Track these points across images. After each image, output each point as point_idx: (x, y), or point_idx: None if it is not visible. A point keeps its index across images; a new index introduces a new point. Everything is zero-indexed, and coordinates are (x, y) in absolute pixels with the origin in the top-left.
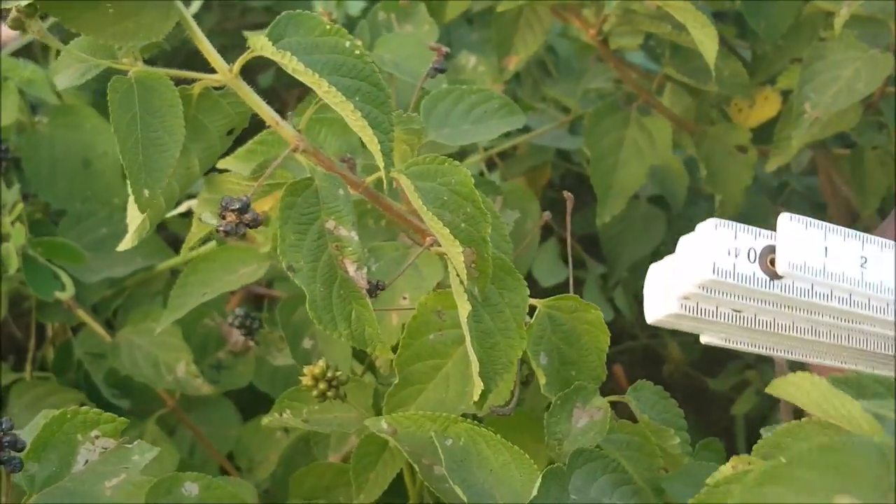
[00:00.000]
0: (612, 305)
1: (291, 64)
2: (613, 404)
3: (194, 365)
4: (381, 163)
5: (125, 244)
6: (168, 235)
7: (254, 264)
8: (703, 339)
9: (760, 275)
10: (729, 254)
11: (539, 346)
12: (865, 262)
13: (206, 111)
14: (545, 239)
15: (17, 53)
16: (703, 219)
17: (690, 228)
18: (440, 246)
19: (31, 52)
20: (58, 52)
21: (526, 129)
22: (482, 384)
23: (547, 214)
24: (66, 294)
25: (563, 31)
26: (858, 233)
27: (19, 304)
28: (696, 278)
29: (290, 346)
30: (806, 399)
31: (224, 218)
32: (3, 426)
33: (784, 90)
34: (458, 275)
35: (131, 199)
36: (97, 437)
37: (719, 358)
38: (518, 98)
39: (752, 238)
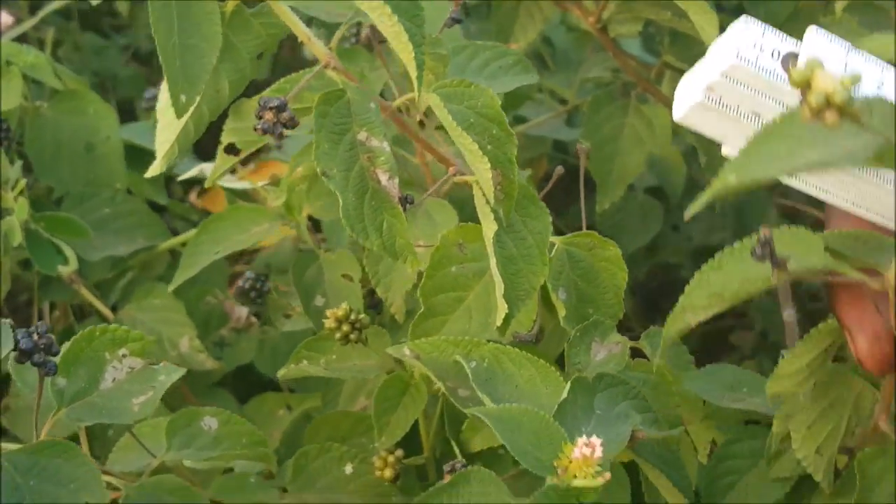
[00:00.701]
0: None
1: None
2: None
3: (198, 340)
4: (413, 72)
5: (153, 170)
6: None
7: (265, 223)
8: (724, 151)
9: (780, 72)
10: (754, 47)
11: (558, 282)
12: (882, 85)
13: (238, 30)
14: None
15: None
16: (701, 210)
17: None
18: (464, 175)
19: (25, 39)
20: (55, 42)
21: (523, 120)
22: (506, 307)
23: (559, 169)
24: (70, 268)
25: (563, 19)
26: (879, 60)
27: (16, 296)
28: (721, 64)
29: (302, 303)
30: None
31: (261, 117)
32: (40, 329)
33: None
34: (484, 195)
35: (160, 123)
36: (124, 355)
37: (716, 350)
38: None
39: (778, 41)
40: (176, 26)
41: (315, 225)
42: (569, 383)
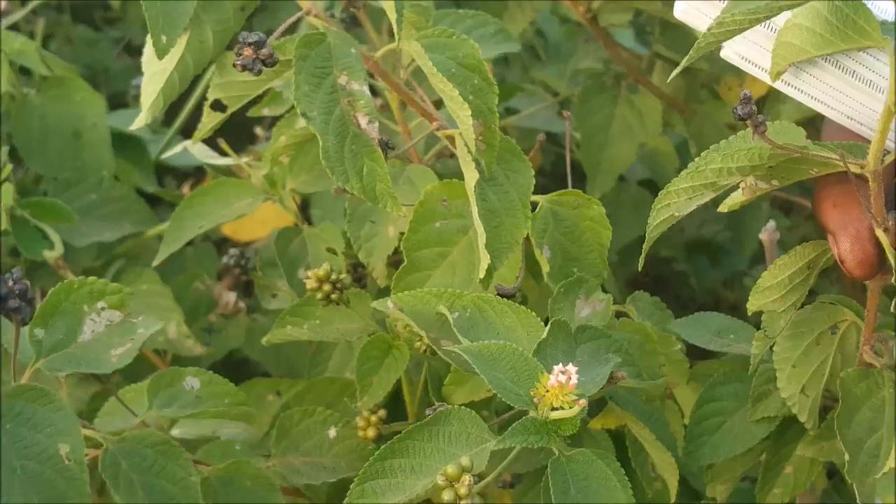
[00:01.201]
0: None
1: None
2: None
3: (185, 325)
4: (393, 16)
5: (139, 122)
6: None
7: (248, 198)
8: (723, 53)
9: None
10: None
11: (542, 240)
12: None
13: None
14: None
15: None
16: None
17: None
18: (447, 129)
19: (16, 31)
20: (47, 35)
21: (514, 112)
22: (488, 258)
23: (541, 135)
24: (55, 253)
25: (553, 10)
26: None
27: None
28: None
29: (286, 276)
30: None
31: (241, 53)
32: (14, 275)
33: None
34: (465, 144)
35: (146, 76)
36: (103, 308)
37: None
38: (506, 81)
39: None
40: None
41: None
42: (549, 325)
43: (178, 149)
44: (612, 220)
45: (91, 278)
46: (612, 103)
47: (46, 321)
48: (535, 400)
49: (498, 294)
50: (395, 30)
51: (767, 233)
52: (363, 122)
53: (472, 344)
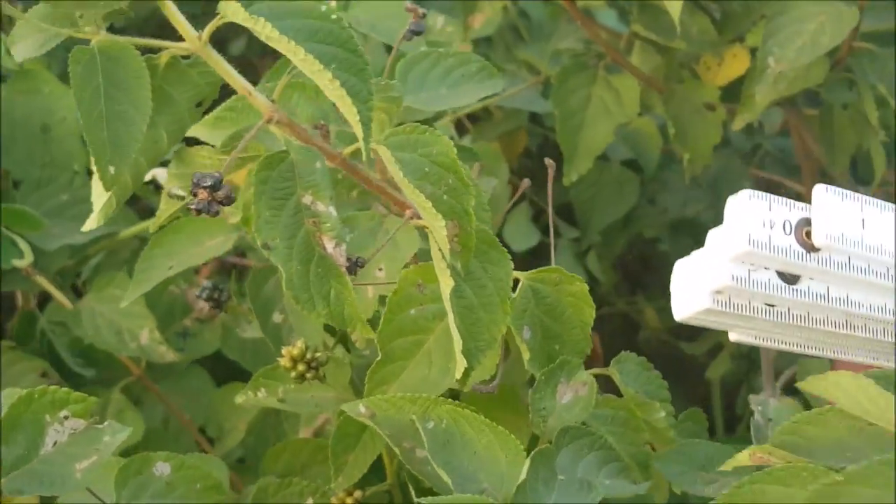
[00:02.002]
0: (585, 270)
1: (265, 31)
2: (595, 377)
3: (158, 332)
4: (360, 134)
5: (90, 224)
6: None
7: (221, 236)
8: (733, 337)
9: (797, 247)
10: (764, 225)
11: (522, 320)
12: None
13: (174, 82)
14: (516, 203)
15: None
16: (677, 182)
17: (663, 191)
18: (420, 218)
19: None
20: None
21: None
22: (465, 362)
23: (526, 182)
24: (24, 262)
25: None
26: (892, 205)
27: None
28: (732, 251)
29: (259, 320)
30: (845, 398)
31: (196, 195)
32: None
33: (753, 47)
34: (440, 249)
35: (96, 176)
36: (66, 417)
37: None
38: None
39: (786, 210)
40: (102, 92)
41: None
42: (527, 461)
43: (147, 177)
44: (595, 200)
45: (53, 387)
46: (590, 84)
47: (7, 435)
48: None
49: (477, 391)
50: (362, 146)
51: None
52: (329, 245)
53: (444, 498)
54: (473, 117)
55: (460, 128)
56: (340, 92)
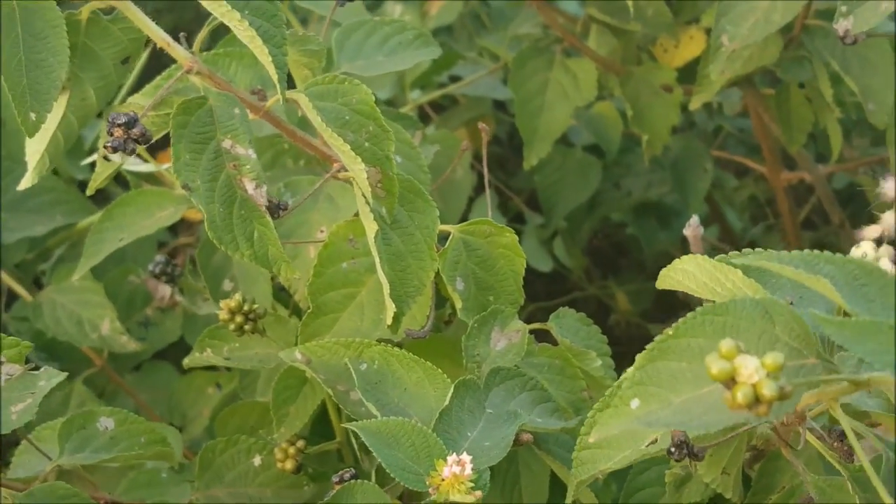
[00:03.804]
0: (552, 256)
1: None
2: (537, 334)
3: (119, 322)
4: (274, 76)
5: (25, 182)
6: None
7: (170, 207)
8: None
9: None
10: None
11: (455, 272)
12: None
13: (97, 38)
14: (482, 191)
15: None
16: (640, 165)
17: (624, 175)
18: (348, 171)
19: None
20: None
21: (458, 80)
22: (394, 306)
23: (465, 143)
24: None
25: None
26: None
27: None
28: None
29: (209, 289)
30: (694, 282)
31: (112, 134)
32: None
33: (708, 28)
34: (363, 194)
35: (28, 140)
36: (2, 362)
37: (670, 304)
38: (452, 49)
39: None
40: (21, 42)
41: None
42: (451, 389)
43: (91, 158)
44: (559, 185)
45: None
46: (548, 68)
47: None
48: (431, 490)
49: (409, 337)
50: (279, 89)
51: (691, 228)
52: (250, 187)
53: (368, 422)
54: (439, 106)
55: (424, 116)
56: (251, 33)
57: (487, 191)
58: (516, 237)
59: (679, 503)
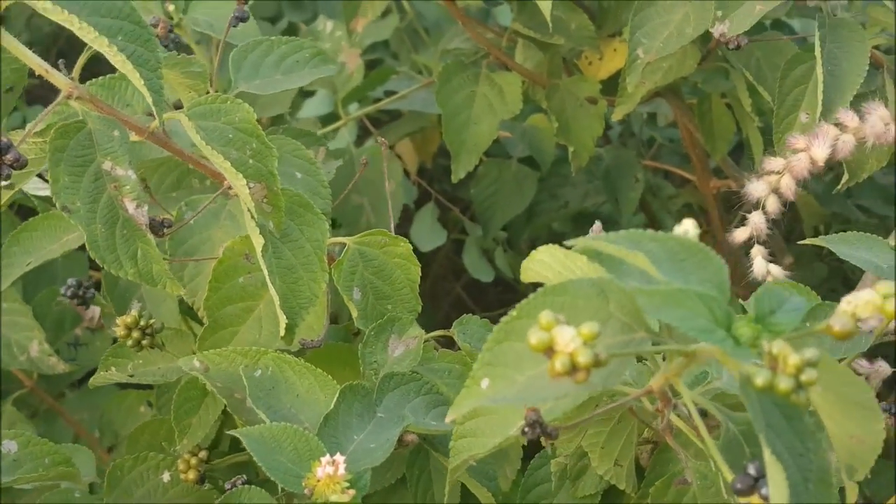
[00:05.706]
0: (493, 266)
1: (42, 3)
2: (446, 340)
3: (47, 343)
4: (149, 99)
5: None
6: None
7: (77, 231)
8: None
9: None
10: None
11: (351, 282)
12: None
13: None
14: (422, 204)
15: None
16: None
17: (561, 185)
18: None
19: None
20: None
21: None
22: (286, 318)
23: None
24: None
25: None
26: None
27: None
28: None
29: (116, 309)
30: (550, 271)
31: None
32: None
33: None
34: (248, 209)
35: None
36: None
37: None
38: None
39: None
40: None
41: None
42: (337, 394)
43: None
44: (496, 197)
45: None
46: (474, 82)
47: None
48: (307, 491)
49: (303, 347)
50: (155, 113)
51: (593, 234)
52: (131, 207)
53: (250, 429)
54: (378, 121)
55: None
56: (122, 58)
57: (390, 202)
58: (410, 247)
59: (574, 496)
